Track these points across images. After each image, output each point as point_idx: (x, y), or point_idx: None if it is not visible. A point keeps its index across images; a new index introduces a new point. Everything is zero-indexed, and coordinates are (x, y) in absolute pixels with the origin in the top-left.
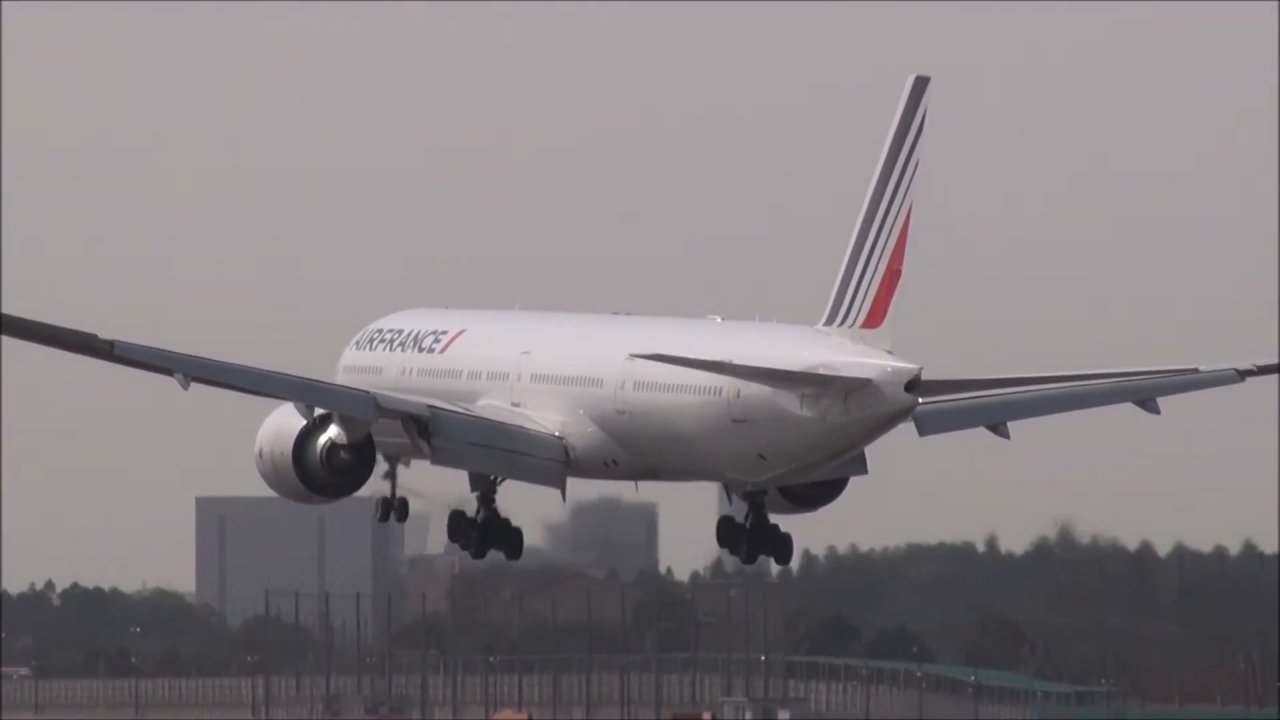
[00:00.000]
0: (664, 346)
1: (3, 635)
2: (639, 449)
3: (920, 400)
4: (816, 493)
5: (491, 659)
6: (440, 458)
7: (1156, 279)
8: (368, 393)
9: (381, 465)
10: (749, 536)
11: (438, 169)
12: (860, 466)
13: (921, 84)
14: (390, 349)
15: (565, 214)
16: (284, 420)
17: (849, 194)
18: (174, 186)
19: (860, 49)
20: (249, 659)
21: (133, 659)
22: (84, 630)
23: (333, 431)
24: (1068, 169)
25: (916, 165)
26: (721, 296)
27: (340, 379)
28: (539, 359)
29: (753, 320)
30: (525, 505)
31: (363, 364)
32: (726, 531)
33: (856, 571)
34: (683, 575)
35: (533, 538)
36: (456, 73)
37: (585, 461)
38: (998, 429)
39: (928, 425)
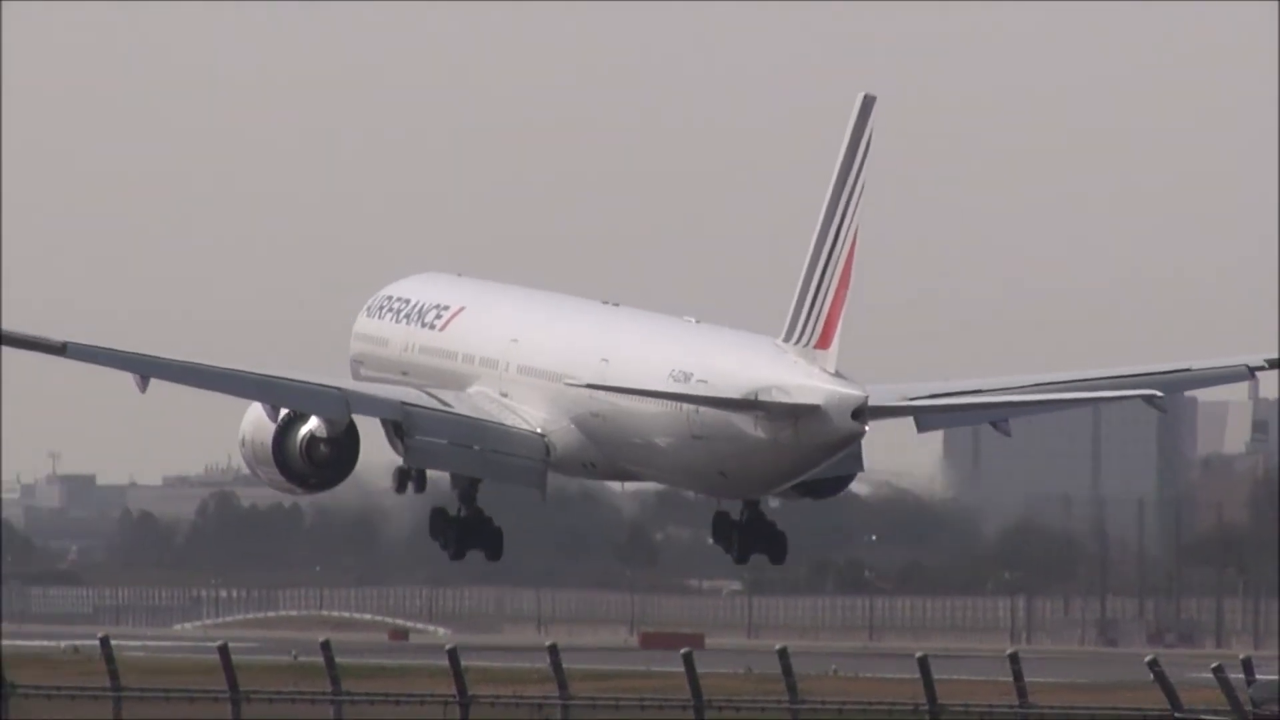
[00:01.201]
0: (628, 350)
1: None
2: (612, 454)
3: (867, 428)
4: (823, 484)
5: None
6: (414, 458)
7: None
8: (339, 390)
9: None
10: (742, 533)
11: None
12: (857, 464)
13: (869, 103)
14: (397, 320)
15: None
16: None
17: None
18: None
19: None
20: (1006, 576)
21: (866, 573)
22: (810, 538)
23: (313, 423)
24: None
25: (863, 188)
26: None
27: (353, 346)
28: (525, 349)
29: (723, 326)
30: None
31: (372, 333)
32: (720, 527)
33: None
34: None
35: None
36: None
37: (566, 461)
38: (998, 425)
39: (925, 421)
